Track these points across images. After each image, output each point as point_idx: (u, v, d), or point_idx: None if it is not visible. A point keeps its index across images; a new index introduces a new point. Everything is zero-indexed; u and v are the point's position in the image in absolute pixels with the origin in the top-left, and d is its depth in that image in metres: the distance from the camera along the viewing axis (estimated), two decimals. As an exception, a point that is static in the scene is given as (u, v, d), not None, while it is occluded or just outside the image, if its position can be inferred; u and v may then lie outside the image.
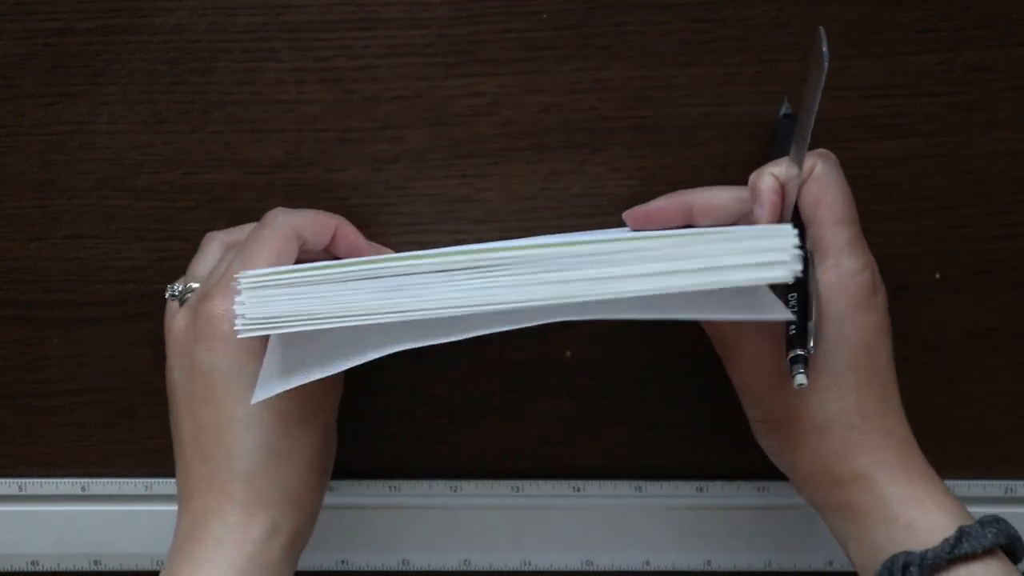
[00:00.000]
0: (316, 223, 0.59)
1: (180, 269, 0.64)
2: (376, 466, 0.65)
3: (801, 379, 0.53)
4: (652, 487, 0.64)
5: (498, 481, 0.64)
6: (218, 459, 0.54)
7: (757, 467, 0.64)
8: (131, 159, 0.64)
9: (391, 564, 0.65)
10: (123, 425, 0.65)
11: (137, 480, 0.65)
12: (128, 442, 0.65)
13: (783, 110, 0.62)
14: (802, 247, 0.51)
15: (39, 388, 0.65)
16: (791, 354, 0.53)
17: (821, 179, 0.56)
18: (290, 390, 0.52)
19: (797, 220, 0.56)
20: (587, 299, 0.50)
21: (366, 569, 0.65)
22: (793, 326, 0.54)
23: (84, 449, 0.65)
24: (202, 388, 0.55)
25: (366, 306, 0.51)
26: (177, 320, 0.58)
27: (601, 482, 0.64)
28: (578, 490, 0.64)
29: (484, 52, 0.63)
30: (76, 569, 0.65)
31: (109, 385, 0.65)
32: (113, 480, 0.65)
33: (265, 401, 0.52)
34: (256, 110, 0.63)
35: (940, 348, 0.65)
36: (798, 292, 0.54)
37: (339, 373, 0.52)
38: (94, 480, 0.65)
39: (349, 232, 0.60)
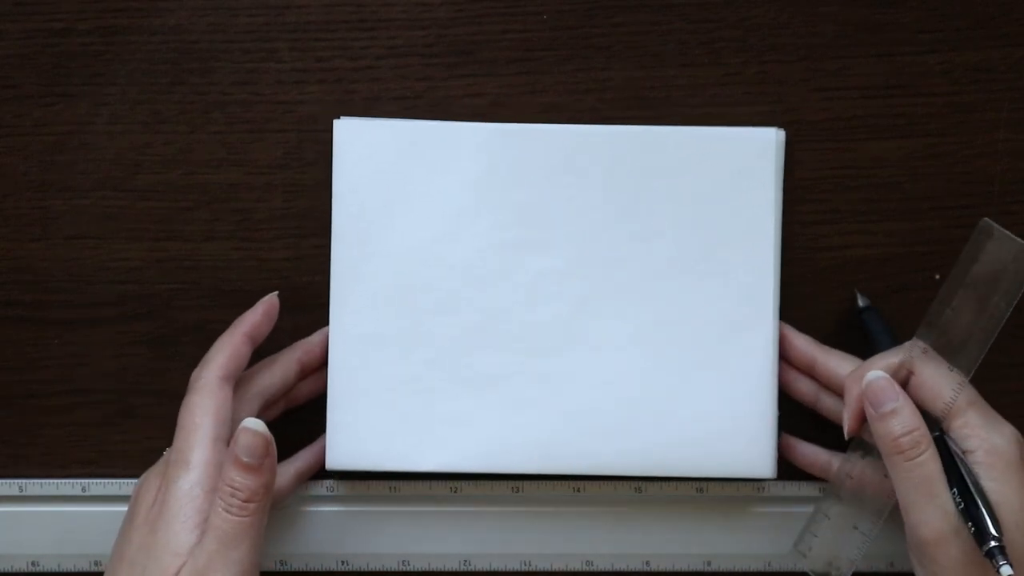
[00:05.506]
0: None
1: (180, 269, 0.64)
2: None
3: (1007, 570, 0.53)
4: (652, 487, 0.64)
5: (498, 481, 0.64)
6: None
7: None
8: (131, 159, 0.64)
9: (391, 564, 0.64)
10: (123, 425, 0.65)
11: (137, 480, 0.65)
12: (128, 442, 0.65)
13: (860, 303, 0.63)
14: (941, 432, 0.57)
15: (39, 388, 0.65)
16: (985, 548, 0.54)
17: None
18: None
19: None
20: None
21: (366, 569, 0.65)
22: (970, 524, 0.55)
23: (84, 449, 0.65)
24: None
25: None
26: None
27: (601, 482, 0.64)
28: (578, 490, 0.64)
29: (484, 52, 0.63)
30: (76, 569, 0.65)
31: (109, 385, 0.65)
32: (113, 480, 0.65)
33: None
34: (256, 110, 0.63)
35: (940, 348, 0.64)
36: (956, 487, 0.56)
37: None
38: (94, 480, 0.65)
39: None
